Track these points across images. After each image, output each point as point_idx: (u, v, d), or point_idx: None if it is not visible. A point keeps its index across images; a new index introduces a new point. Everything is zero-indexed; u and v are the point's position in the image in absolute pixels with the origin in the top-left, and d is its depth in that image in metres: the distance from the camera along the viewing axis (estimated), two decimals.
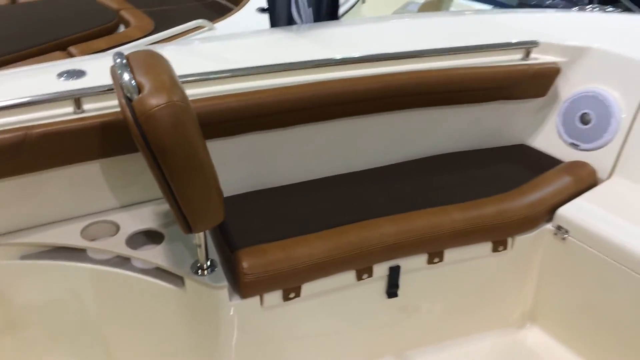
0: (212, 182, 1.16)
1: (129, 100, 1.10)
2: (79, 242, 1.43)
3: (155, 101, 1.06)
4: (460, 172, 1.74)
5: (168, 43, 1.98)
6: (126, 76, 1.12)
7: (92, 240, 1.49)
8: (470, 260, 1.60)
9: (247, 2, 2.83)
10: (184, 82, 1.50)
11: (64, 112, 1.41)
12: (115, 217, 1.52)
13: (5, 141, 1.30)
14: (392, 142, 1.80)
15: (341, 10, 2.78)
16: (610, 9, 2.23)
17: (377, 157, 1.80)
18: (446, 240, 1.51)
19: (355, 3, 3.12)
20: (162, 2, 3.25)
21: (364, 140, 1.76)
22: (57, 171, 1.42)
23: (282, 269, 1.35)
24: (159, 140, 1.07)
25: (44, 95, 1.37)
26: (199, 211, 1.18)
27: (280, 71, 1.59)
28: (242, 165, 1.64)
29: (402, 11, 4.21)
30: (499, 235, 1.57)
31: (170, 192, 1.14)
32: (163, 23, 2.85)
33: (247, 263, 1.33)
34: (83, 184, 1.47)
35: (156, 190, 1.58)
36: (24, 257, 1.46)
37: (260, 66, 1.57)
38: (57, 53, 2.57)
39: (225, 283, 1.33)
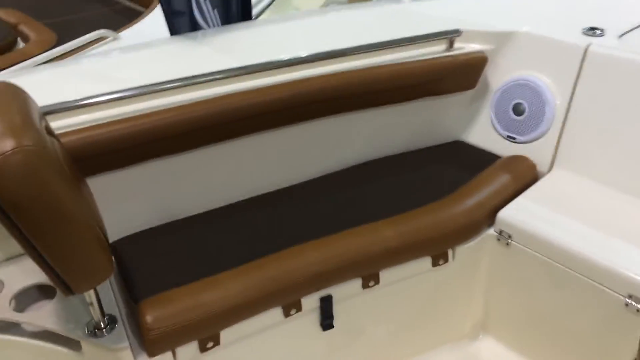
0: (88, 234, 0.97)
1: None
2: None
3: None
4: (390, 180, 1.59)
5: (55, 63, 1.76)
6: None
7: None
8: (409, 279, 1.46)
9: (156, 6, 2.61)
10: (60, 110, 1.29)
11: None
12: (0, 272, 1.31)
13: None
14: (310, 155, 1.64)
15: (260, 7, 2.59)
16: None
17: (294, 174, 1.63)
18: (380, 261, 1.36)
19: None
20: (68, 10, 2.99)
21: (277, 157, 1.59)
22: None
23: (192, 318, 1.17)
24: (7, 196, 0.87)
25: None
26: (76, 270, 0.99)
27: (173, 88, 1.40)
28: (144, 197, 1.45)
29: (332, 1, 4.06)
30: (437, 248, 1.43)
31: (36, 253, 0.94)
32: (67, 34, 2.61)
33: (151, 316, 1.15)
34: None
35: None
36: None
37: (150, 85, 1.38)
38: None
39: (126, 344, 1.15)
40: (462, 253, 1.49)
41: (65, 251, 0.95)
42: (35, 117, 1.02)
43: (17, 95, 1.04)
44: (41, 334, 1.22)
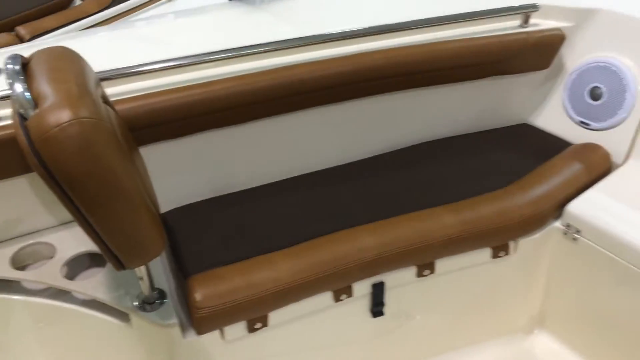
0: (142, 210, 0.94)
1: (23, 118, 0.86)
2: (7, 272, 1.22)
3: (55, 119, 0.83)
4: (451, 163, 1.50)
5: (111, 26, 1.73)
6: (18, 87, 0.88)
7: (26, 265, 1.29)
8: (466, 269, 1.39)
9: None
10: (114, 77, 1.25)
11: None
12: (52, 237, 1.30)
13: None
14: (370, 131, 1.56)
15: None
16: None
17: (352, 150, 1.56)
18: (437, 249, 1.30)
19: None
20: None
21: (335, 133, 1.52)
22: None
23: (242, 298, 1.14)
24: (62, 169, 0.84)
25: None
26: (129, 246, 0.96)
27: (233, 57, 1.34)
28: (196, 169, 1.41)
29: None
30: (499, 239, 1.35)
31: (89, 227, 0.92)
32: None
33: (200, 294, 1.13)
34: (10, 202, 1.25)
35: None
36: None
37: (209, 52, 1.32)
38: (4, 35, 2.31)
39: (174, 320, 1.13)
40: (525, 246, 1.40)
41: (119, 226, 0.92)
42: (92, 84, 0.99)
43: (74, 61, 1.00)
44: (90, 302, 1.22)
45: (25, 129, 0.85)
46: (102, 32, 1.57)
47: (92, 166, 0.85)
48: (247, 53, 1.35)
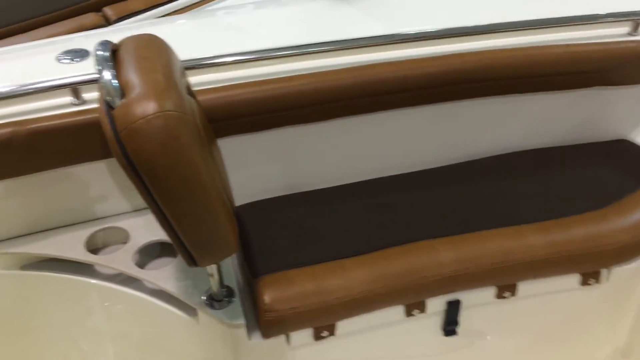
0: (220, 208, 0.91)
1: (109, 107, 0.85)
2: (82, 255, 1.23)
3: (141, 110, 0.81)
4: (541, 177, 1.39)
5: (190, 14, 1.72)
6: (106, 74, 0.86)
7: (99, 248, 1.30)
8: (550, 295, 1.29)
9: None
10: (199, 67, 1.23)
11: (61, 103, 1.19)
12: (126, 223, 1.30)
13: None
14: (454, 137, 1.47)
15: None
16: None
17: (434, 156, 1.48)
18: (521, 271, 1.20)
19: None
20: None
21: (417, 136, 1.44)
22: (55, 172, 1.21)
23: (312, 305, 1.10)
24: (144, 161, 0.82)
25: (30, 85, 1.14)
26: (203, 243, 0.93)
27: (318, 52, 1.29)
28: (271, 164, 1.38)
29: None
30: (590, 266, 1.24)
31: (166, 221, 0.90)
32: None
33: (269, 296, 1.09)
34: (88, 185, 1.26)
35: None
36: (24, 266, 1.28)
37: (293, 46, 1.28)
38: (91, 15, 2.36)
39: (242, 321, 1.10)
40: (619, 275, 1.28)
41: (196, 223, 0.89)
42: (178, 75, 0.96)
43: (162, 50, 0.98)
44: (159, 292, 1.21)
45: (111, 118, 0.83)
46: (183, 20, 1.55)
47: (173, 160, 0.82)
48: (331, 49, 1.30)
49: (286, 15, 1.48)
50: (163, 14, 2.33)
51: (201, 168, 0.86)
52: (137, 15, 2.28)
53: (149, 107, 0.81)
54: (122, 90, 0.85)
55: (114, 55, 0.95)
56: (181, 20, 1.56)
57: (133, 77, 0.87)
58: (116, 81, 0.86)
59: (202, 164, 0.87)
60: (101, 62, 0.89)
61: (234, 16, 1.51)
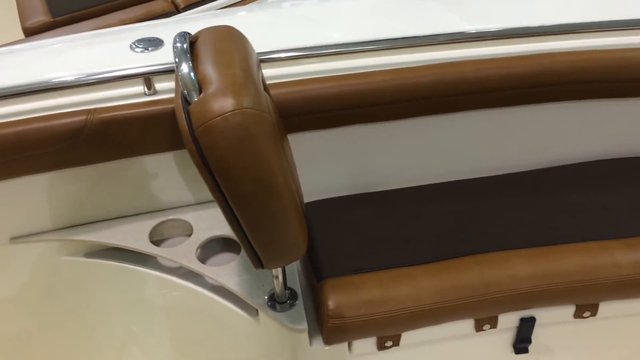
0: (292, 210, 0.87)
1: (186, 102, 0.82)
2: (145, 246, 1.22)
3: (219, 107, 0.78)
4: (626, 189, 1.29)
5: (255, 4, 1.68)
6: (184, 67, 0.84)
7: (162, 240, 1.29)
8: (633, 317, 1.20)
9: None
10: (274, 60, 1.19)
11: (133, 92, 1.18)
12: (189, 216, 1.29)
13: (62, 127, 1.09)
14: (535, 142, 1.38)
15: None
16: None
17: (513, 161, 1.40)
18: (604, 290, 1.12)
19: None
20: None
21: (497, 139, 1.36)
22: (123, 162, 1.20)
23: (377, 314, 1.05)
24: (219, 159, 0.79)
25: (105, 74, 1.14)
26: (272, 246, 0.90)
27: (395, 48, 1.23)
28: (340, 162, 1.33)
29: None
30: None
31: (235, 221, 0.87)
32: None
33: (333, 302, 1.05)
34: (155, 176, 1.25)
35: None
36: (88, 254, 1.28)
37: (369, 41, 1.22)
38: (160, 2, 2.37)
39: (304, 326, 1.06)
40: None
41: (266, 225, 0.86)
42: (255, 69, 0.93)
43: (240, 43, 0.95)
44: (220, 289, 1.19)
45: (188, 114, 0.80)
46: (251, 12, 1.52)
47: (249, 160, 0.79)
48: (409, 45, 1.24)
49: (356, 8, 1.42)
50: (229, 4, 2.32)
51: (276, 169, 0.82)
52: (205, 4, 2.27)
53: (227, 104, 0.77)
54: (200, 85, 0.82)
55: (191, 47, 0.92)
56: (250, 12, 1.53)
57: (211, 71, 0.84)
58: (194, 75, 0.83)
59: (277, 164, 0.83)
60: (179, 54, 0.87)
61: (301, 8, 1.47)
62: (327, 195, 1.34)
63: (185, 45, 0.88)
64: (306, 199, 1.34)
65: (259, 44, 1.22)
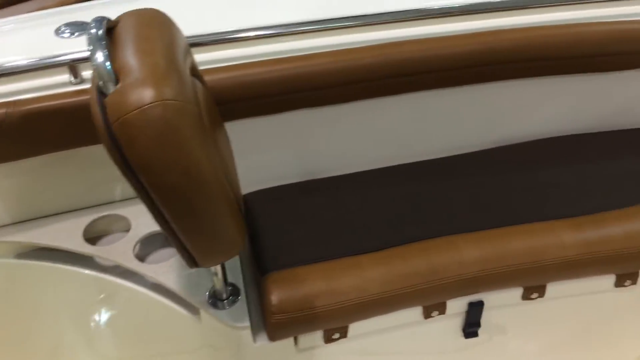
0: (224, 205, 0.82)
1: (101, 94, 0.75)
2: (79, 245, 1.16)
3: (137, 99, 0.71)
4: (575, 167, 1.29)
5: None
6: (99, 56, 0.77)
7: (99, 237, 1.22)
8: (581, 296, 1.20)
9: None
10: (207, 44, 1.13)
11: (58, 82, 1.10)
12: (127, 210, 1.23)
13: None
14: (484, 122, 1.36)
15: None
16: None
17: (462, 142, 1.38)
18: (551, 272, 1.11)
19: None
20: None
21: (445, 120, 1.33)
22: (52, 156, 1.13)
23: (323, 307, 1.02)
24: (140, 156, 0.73)
25: (21, 62, 1.05)
26: (205, 244, 0.85)
27: (337, 28, 1.18)
28: (285, 149, 1.28)
29: None
30: (628, 266, 1.14)
31: (163, 220, 0.81)
32: None
33: (276, 297, 1.01)
34: (87, 171, 1.18)
35: None
36: (19, 255, 1.21)
37: (310, 21, 1.17)
38: None
39: (246, 323, 1.02)
40: None
41: (197, 224, 0.81)
42: (181, 56, 0.86)
43: (165, 27, 0.88)
44: (160, 286, 1.14)
45: (103, 107, 0.74)
46: None
47: (172, 155, 0.73)
48: (352, 25, 1.19)
49: None
50: None
51: (204, 163, 0.77)
52: None
53: (146, 95, 0.71)
54: (117, 75, 0.76)
55: (111, 33, 0.85)
56: None
57: (130, 59, 0.77)
58: (109, 64, 0.76)
59: (205, 159, 0.77)
60: (94, 41, 0.79)
61: None
62: (274, 184, 1.30)
63: (100, 32, 0.81)
64: (251, 188, 1.29)
65: (192, 26, 1.15)
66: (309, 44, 1.20)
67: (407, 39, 1.21)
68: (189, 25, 1.16)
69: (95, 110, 0.75)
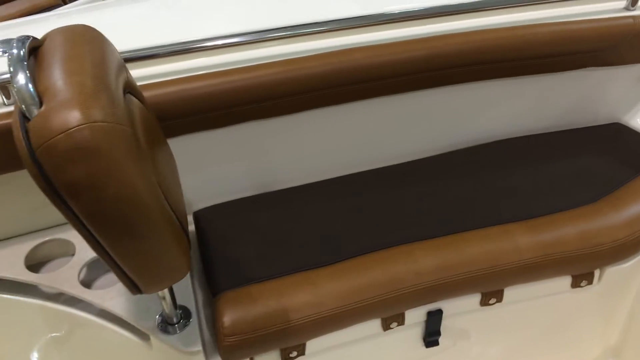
0: (165, 228, 0.78)
1: (24, 117, 0.71)
2: (20, 273, 1.10)
3: (61, 122, 0.67)
4: (528, 168, 1.28)
5: None
6: (21, 78, 0.72)
7: (43, 262, 1.17)
8: (539, 299, 1.19)
9: None
10: (144, 58, 1.08)
11: None
12: (71, 234, 1.17)
13: None
14: (437, 127, 1.35)
15: None
16: None
17: (416, 148, 1.36)
18: (508, 276, 1.10)
19: None
20: None
21: (393, 128, 1.32)
22: None
23: (277, 326, 0.99)
24: (67, 183, 0.68)
25: None
26: (146, 270, 0.81)
27: (282, 37, 1.15)
28: (234, 163, 1.25)
29: None
30: (583, 267, 1.14)
31: (100, 248, 0.77)
32: None
33: (229, 318, 0.97)
34: (25, 194, 1.12)
35: None
36: None
37: (254, 32, 1.14)
38: None
39: (198, 347, 0.98)
40: (612, 275, 1.19)
41: (136, 250, 0.76)
42: (113, 74, 0.82)
43: (95, 44, 0.84)
44: (108, 313, 1.09)
45: (26, 132, 0.69)
46: (136, 3, 1.39)
47: (102, 180, 0.69)
48: (297, 34, 1.16)
49: None
50: None
51: (139, 185, 0.73)
52: None
53: (72, 118, 0.67)
54: (41, 98, 0.71)
55: (36, 52, 0.81)
56: (134, 3, 1.40)
57: (55, 80, 0.73)
58: (32, 86, 0.71)
59: (141, 181, 0.73)
60: (14, 63, 0.74)
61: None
62: (227, 198, 1.26)
63: (22, 52, 0.76)
64: (204, 204, 1.26)
65: (131, 40, 1.11)
66: (253, 55, 1.17)
67: (356, 46, 1.19)
68: (129, 41, 1.12)
69: (18, 135, 0.70)
